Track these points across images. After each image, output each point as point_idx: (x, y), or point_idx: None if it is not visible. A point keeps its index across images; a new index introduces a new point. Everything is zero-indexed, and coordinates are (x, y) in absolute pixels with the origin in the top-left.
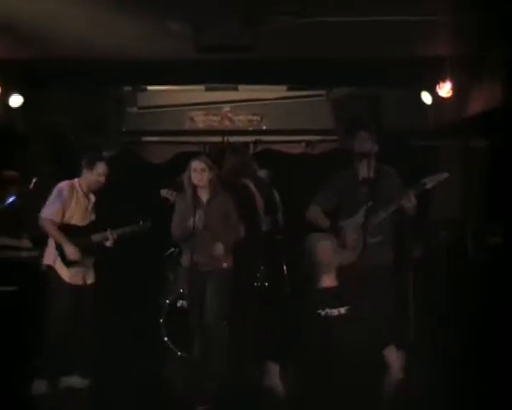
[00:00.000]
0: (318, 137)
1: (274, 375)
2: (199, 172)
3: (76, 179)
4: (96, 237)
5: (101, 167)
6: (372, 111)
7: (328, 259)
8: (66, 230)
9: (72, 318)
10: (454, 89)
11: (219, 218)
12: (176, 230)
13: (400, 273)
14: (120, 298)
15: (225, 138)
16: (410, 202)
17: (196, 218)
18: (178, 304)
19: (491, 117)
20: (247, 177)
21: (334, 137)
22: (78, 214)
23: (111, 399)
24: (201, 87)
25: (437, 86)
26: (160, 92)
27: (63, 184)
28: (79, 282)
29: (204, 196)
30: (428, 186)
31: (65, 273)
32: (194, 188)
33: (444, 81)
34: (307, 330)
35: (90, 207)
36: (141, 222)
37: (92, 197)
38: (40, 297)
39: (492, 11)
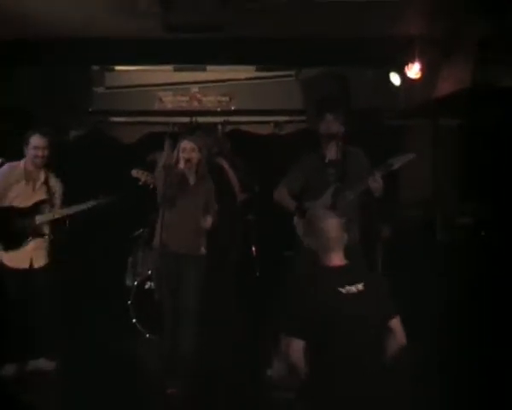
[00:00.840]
0: (287, 118)
1: (298, 351)
2: (188, 152)
3: (22, 160)
4: (40, 219)
5: (35, 140)
6: (341, 91)
7: (338, 236)
8: (6, 212)
9: (28, 302)
10: (424, 69)
11: (202, 202)
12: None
13: (368, 254)
14: (85, 280)
15: (194, 119)
16: (376, 182)
17: (181, 199)
18: (146, 286)
19: (462, 97)
20: (221, 157)
21: (302, 118)
22: (21, 195)
23: (79, 381)
24: (170, 67)
25: (407, 66)
26: (128, 72)
27: (3, 167)
28: (24, 265)
29: (191, 176)
30: (395, 167)
31: (5, 257)
32: (181, 168)
33: (414, 61)
34: (329, 307)
35: (37, 186)
36: (98, 199)
37: (41, 176)
38: None
39: None
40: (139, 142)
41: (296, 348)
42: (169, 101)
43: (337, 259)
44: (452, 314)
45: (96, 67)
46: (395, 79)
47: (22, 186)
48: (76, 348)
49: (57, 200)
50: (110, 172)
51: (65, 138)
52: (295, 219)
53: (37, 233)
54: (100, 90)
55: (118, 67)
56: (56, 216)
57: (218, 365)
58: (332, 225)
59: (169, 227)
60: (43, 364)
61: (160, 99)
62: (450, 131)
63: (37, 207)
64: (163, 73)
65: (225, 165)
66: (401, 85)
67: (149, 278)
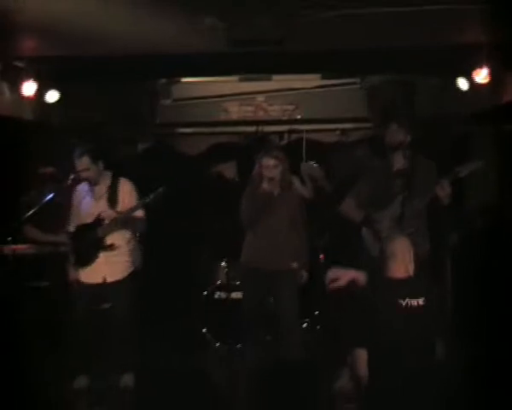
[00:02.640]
0: (353, 126)
1: (363, 361)
2: (270, 170)
3: None
4: (101, 231)
5: (77, 163)
6: (406, 99)
7: (404, 253)
8: (77, 230)
9: (102, 316)
10: (490, 75)
11: (288, 215)
12: (245, 218)
13: (436, 264)
14: (155, 292)
15: (259, 128)
16: (443, 190)
17: (266, 215)
18: (216, 296)
19: None
20: None
21: (368, 125)
22: (84, 212)
23: (150, 392)
24: (235, 78)
25: (473, 73)
26: (194, 84)
27: (71, 185)
28: (97, 280)
29: (275, 190)
30: (462, 174)
31: (81, 274)
32: (265, 184)
33: (480, 67)
34: (391, 319)
35: (99, 197)
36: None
37: (103, 187)
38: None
39: None
40: (205, 153)
41: (362, 357)
42: (235, 111)
43: (401, 271)
44: None
45: (162, 81)
46: (463, 84)
47: (88, 201)
48: (146, 359)
49: (126, 205)
50: (176, 184)
51: (132, 151)
52: (363, 230)
53: (104, 246)
54: (167, 102)
55: (184, 80)
56: (117, 225)
57: (283, 376)
58: (399, 244)
59: (255, 244)
60: (126, 379)
61: (226, 110)
62: None
63: (100, 220)
64: (228, 83)
65: None
66: (467, 92)
67: (219, 288)
